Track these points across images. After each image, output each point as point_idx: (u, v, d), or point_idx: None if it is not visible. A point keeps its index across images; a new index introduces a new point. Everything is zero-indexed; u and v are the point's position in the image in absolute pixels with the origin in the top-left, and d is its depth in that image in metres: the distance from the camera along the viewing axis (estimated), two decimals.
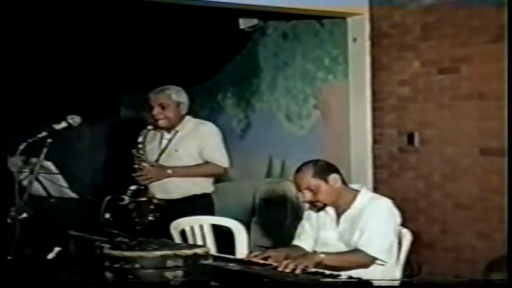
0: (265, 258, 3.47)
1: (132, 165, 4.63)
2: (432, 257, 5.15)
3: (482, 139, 4.94)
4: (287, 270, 3.21)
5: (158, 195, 4.58)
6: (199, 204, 4.63)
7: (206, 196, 4.70)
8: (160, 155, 4.63)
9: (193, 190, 4.63)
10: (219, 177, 4.97)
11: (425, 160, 5.32)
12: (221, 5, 5.28)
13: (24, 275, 3.28)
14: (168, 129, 4.67)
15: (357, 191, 3.64)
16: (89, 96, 7.75)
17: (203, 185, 4.69)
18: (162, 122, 4.63)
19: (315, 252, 3.50)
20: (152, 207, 4.56)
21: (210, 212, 4.68)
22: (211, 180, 4.75)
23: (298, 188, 3.60)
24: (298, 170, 3.61)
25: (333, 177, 3.57)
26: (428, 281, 4.41)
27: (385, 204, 3.58)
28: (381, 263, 3.45)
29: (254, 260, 3.45)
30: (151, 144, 4.70)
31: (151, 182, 4.58)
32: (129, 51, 7.71)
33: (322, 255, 3.39)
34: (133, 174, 4.58)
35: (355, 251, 3.46)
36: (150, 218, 4.54)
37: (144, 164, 4.58)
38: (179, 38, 7.42)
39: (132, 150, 4.64)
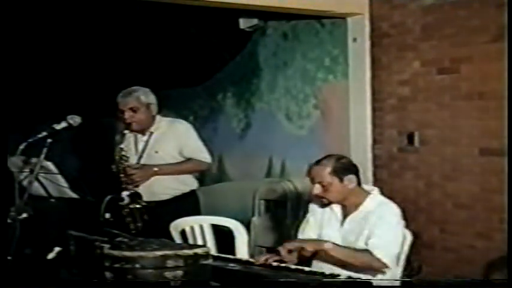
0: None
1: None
2: (432, 257, 5.15)
3: (482, 139, 4.94)
4: (282, 253, 3.20)
5: (146, 198, 4.54)
6: (187, 202, 4.67)
7: (192, 193, 4.75)
8: (140, 157, 4.60)
9: (180, 189, 4.66)
10: (201, 173, 5.02)
11: (425, 160, 5.32)
12: (221, 5, 5.27)
13: (24, 275, 3.28)
14: (142, 131, 4.65)
15: (367, 193, 3.59)
16: (89, 96, 7.75)
17: (189, 183, 4.73)
18: (134, 126, 4.60)
19: (325, 241, 3.43)
20: (143, 211, 4.52)
21: (197, 207, 4.73)
22: (193, 176, 4.79)
23: (312, 180, 3.55)
24: (318, 162, 3.56)
25: (349, 178, 3.51)
26: (428, 281, 4.40)
27: (394, 210, 3.53)
28: (385, 270, 3.40)
29: (270, 262, 3.39)
30: (127, 147, 4.64)
31: (140, 183, 4.54)
32: (129, 51, 7.72)
33: (330, 244, 3.35)
34: (121, 178, 4.52)
35: (364, 251, 3.39)
36: (140, 222, 4.50)
37: (128, 168, 4.51)
38: (179, 38, 7.42)
39: (115, 156, 4.58)
